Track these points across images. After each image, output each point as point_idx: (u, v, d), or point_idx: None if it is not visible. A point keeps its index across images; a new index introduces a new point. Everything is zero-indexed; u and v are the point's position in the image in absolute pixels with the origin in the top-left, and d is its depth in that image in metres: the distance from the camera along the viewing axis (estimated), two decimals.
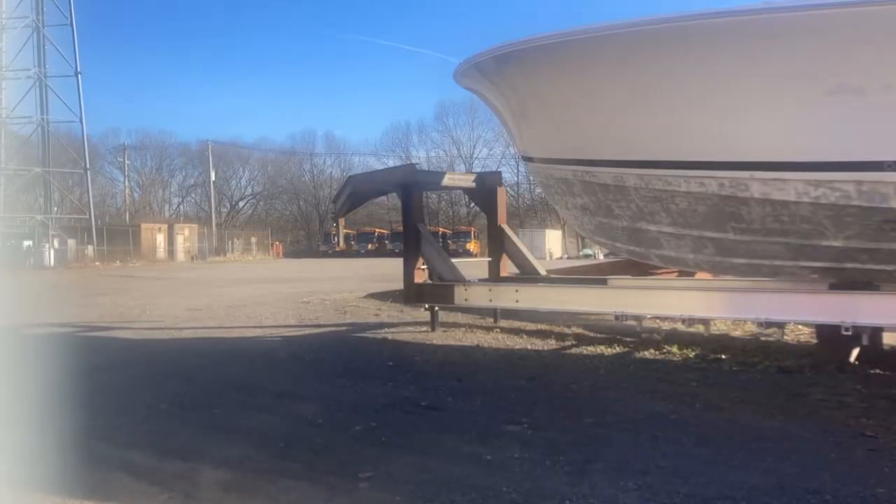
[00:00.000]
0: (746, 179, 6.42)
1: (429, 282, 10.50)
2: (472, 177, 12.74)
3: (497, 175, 12.70)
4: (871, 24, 5.46)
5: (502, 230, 12.02)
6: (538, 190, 52.91)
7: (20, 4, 44.32)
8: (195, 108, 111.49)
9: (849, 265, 6.68)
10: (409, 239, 10.73)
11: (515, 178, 66.12)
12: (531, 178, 39.45)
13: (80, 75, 45.99)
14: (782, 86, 5.99)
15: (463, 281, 10.02)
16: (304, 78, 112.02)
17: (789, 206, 6.31)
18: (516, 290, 9.40)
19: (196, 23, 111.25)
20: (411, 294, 10.53)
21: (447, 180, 12.72)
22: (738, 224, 6.83)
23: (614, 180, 7.62)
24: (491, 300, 9.61)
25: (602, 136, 7.65)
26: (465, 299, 9.72)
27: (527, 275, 11.66)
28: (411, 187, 10.95)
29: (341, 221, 15.37)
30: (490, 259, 12.31)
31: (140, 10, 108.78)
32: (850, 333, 6.40)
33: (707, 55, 6.22)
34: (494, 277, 11.63)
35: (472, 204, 67.21)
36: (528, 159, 9.84)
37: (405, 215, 11.15)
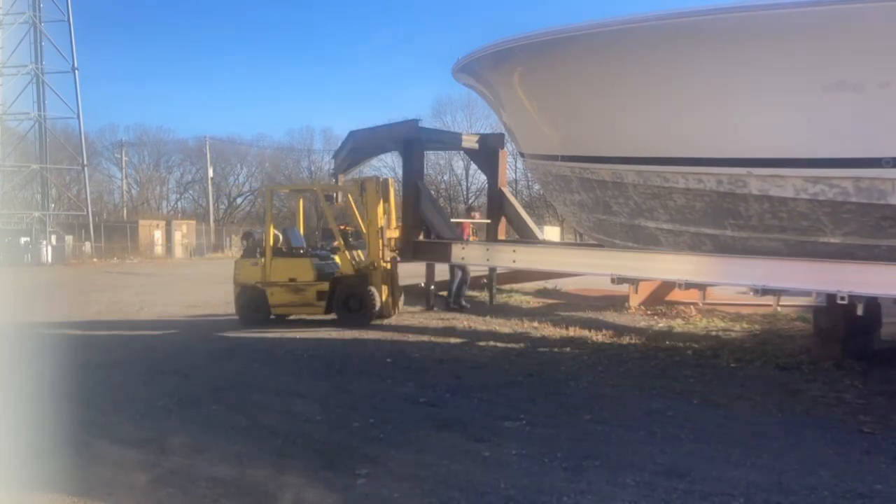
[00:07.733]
0: (744, 176, 6.42)
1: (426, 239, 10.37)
2: (475, 137, 12.59)
3: (500, 136, 12.41)
4: (869, 21, 5.45)
5: (502, 193, 11.94)
6: (536, 186, 52.85)
7: (17, 0, 44.13)
8: (193, 105, 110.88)
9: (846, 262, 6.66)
10: (409, 196, 10.58)
11: (513, 175, 65.93)
12: (529, 174, 39.38)
13: (77, 71, 45.59)
14: (780, 83, 5.98)
15: (460, 239, 9.94)
16: (302, 74, 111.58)
17: (787, 202, 6.31)
18: (513, 251, 9.30)
19: (194, 19, 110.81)
20: (408, 251, 10.37)
21: (449, 139, 12.63)
22: (736, 220, 6.83)
23: (612, 177, 7.62)
24: (488, 259, 9.53)
25: (600, 133, 7.65)
26: (462, 258, 9.63)
27: (525, 239, 11.60)
28: (412, 143, 10.81)
29: (341, 177, 15.19)
30: (489, 221, 12.25)
31: (137, 6, 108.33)
32: (845, 302, 6.29)
33: (706, 52, 6.22)
34: (492, 239, 11.59)
35: (470, 200, 67.17)
36: (526, 156, 9.83)
37: (405, 172, 10.96)
